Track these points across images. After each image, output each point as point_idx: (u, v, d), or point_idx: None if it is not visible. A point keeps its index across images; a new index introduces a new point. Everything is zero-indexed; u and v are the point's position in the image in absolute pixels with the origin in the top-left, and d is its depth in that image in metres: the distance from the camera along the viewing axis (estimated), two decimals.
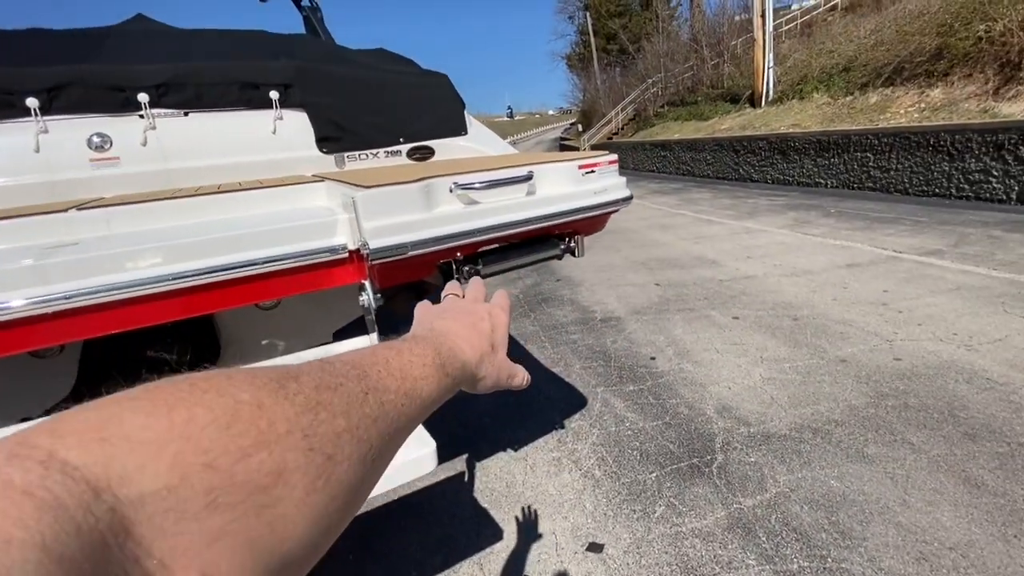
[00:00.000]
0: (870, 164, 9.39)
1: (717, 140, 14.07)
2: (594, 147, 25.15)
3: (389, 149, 1.96)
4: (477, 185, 1.21)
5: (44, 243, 1.02)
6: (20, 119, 1.43)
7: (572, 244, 1.45)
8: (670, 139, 17.27)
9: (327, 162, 1.85)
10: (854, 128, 10.02)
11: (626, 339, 3.98)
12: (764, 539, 1.96)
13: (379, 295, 1.16)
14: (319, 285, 1.17)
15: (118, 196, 1.38)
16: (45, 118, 1.46)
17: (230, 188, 1.36)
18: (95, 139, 1.53)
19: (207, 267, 1.05)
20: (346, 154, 1.88)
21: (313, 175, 1.69)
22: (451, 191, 1.20)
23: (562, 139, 40.99)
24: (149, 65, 1.61)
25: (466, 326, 0.45)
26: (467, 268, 1.25)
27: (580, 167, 1.41)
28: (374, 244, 1.07)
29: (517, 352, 3.93)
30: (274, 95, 1.74)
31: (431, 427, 3.05)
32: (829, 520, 2.01)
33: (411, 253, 1.11)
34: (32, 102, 1.44)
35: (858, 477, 2.22)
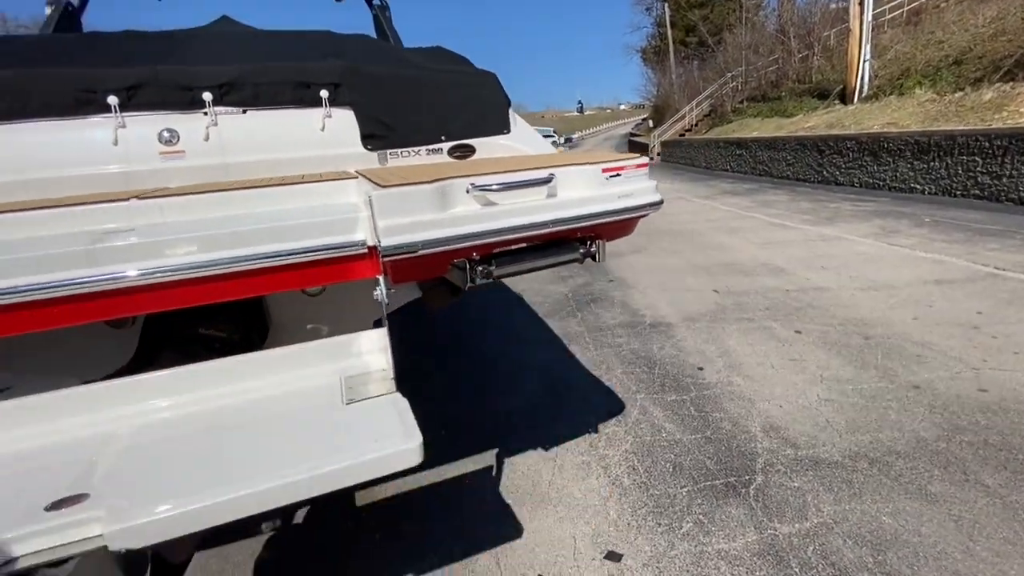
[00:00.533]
0: (978, 169, 8.40)
1: (800, 139, 13.15)
2: (664, 144, 24.31)
3: (431, 147, 2.01)
4: (495, 186, 1.22)
5: (104, 228, 1.15)
6: (102, 115, 1.62)
7: (593, 248, 1.42)
8: (747, 137, 16.35)
9: (371, 159, 1.93)
10: (961, 128, 8.99)
11: (674, 346, 3.85)
12: (797, 570, 1.84)
13: (392, 290, 1.21)
14: (341, 277, 1.23)
15: (178, 187, 1.53)
16: (123, 114, 1.64)
17: (273, 182, 1.46)
18: (165, 134, 1.70)
19: (238, 256, 1.14)
20: (389, 151, 1.95)
21: (354, 171, 1.77)
22: (468, 192, 1.22)
23: (632, 135, 39.99)
24: (215, 66, 1.76)
25: None
26: (481, 268, 1.26)
27: (604, 170, 1.38)
28: (386, 242, 1.12)
29: (557, 350, 3.91)
30: (324, 94, 1.84)
31: (438, 419, 3.10)
32: (875, 559, 1.85)
33: (422, 252, 1.14)
34: (112, 100, 1.62)
35: (916, 516, 2.02)
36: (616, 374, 3.48)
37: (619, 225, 1.46)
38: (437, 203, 1.18)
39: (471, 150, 2.09)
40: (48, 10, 3.35)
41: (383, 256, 1.12)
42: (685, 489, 2.31)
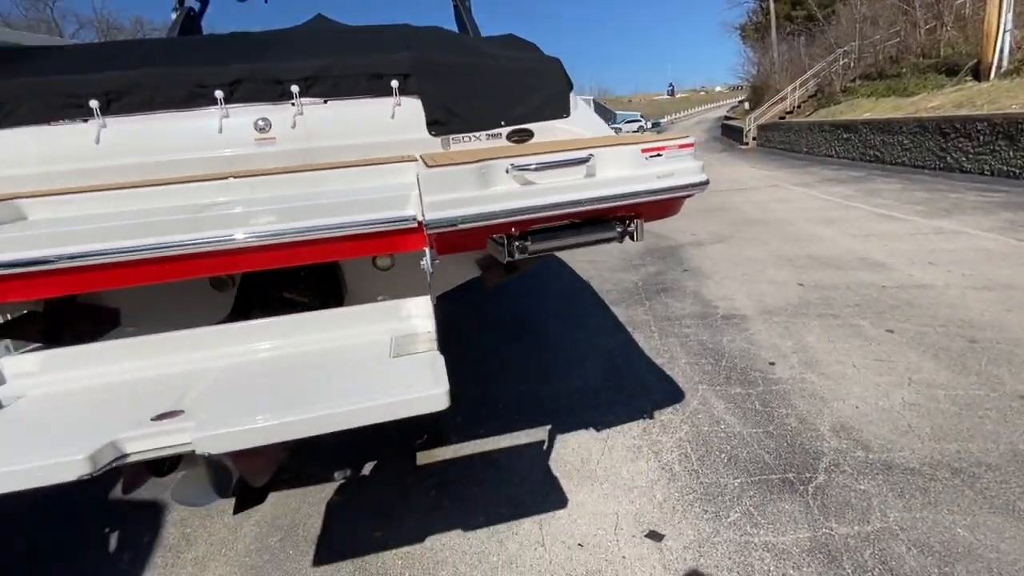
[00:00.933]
0: None
1: (920, 120, 11.70)
2: (762, 128, 22.65)
3: (491, 132, 2.11)
4: (533, 166, 1.29)
5: (207, 201, 1.38)
6: (210, 107, 1.89)
7: (631, 228, 1.44)
8: (857, 119, 14.81)
9: (434, 144, 2.07)
10: None
11: (746, 340, 3.69)
12: (849, 570, 1.75)
13: (436, 260, 1.33)
14: (394, 248, 1.37)
15: (266, 168, 1.76)
16: (227, 106, 1.91)
17: (344, 164, 1.64)
18: (260, 123, 1.95)
19: (310, 227, 1.31)
20: (451, 137, 2.08)
21: (419, 155, 1.92)
22: (507, 172, 1.30)
23: (726, 118, 37.63)
24: (301, 62, 1.98)
25: None
26: (518, 243, 1.35)
27: (643, 151, 1.39)
28: (429, 216, 1.24)
29: (620, 338, 3.90)
30: (394, 84, 2.00)
31: (497, 394, 3.19)
32: (940, 570, 1.71)
33: (461, 226, 1.25)
34: (219, 94, 1.88)
35: (996, 532, 1.84)
36: (679, 364, 3.41)
37: (659, 205, 1.47)
38: (478, 182, 1.27)
39: (529, 134, 2.16)
40: (173, 15, 3.86)
41: (428, 229, 1.24)
42: (738, 480, 2.26)
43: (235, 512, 1.80)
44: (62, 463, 0.86)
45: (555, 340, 3.96)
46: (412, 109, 2.07)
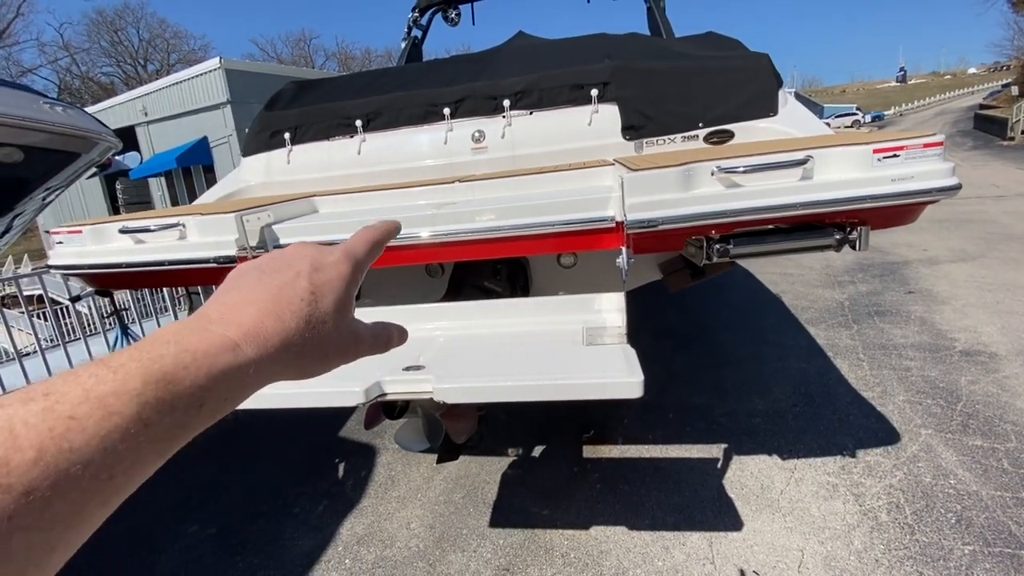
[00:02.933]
0: None
1: None
2: None
3: (687, 134, 2.09)
4: (741, 168, 1.25)
5: (440, 201, 1.66)
6: (440, 122, 2.25)
7: (852, 235, 1.29)
8: None
9: (628, 148, 2.13)
10: None
11: (995, 383, 2.97)
12: None
13: (632, 260, 1.38)
14: (592, 246, 1.47)
15: (484, 173, 2.02)
16: (452, 121, 2.24)
17: (549, 169, 1.81)
18: (476, 134, 2.24)
19: (522, 224, 1.48)
20: (645, 140, 2.11)
21: (613, 159, 2.01)
22: (712, 174, 1.29)
23: (981, 107, 29.95)
24: (511, 78, 2.22)
25: (265, 294, 0.32)
26: (718, 247, 1.32)
27: (876, 151, 1.22)
28: (631, 217, 1.29)
29: (818, 362, 3.45)
30: (594, 93, 2.11)
31: (671, 402, 3.10)
32: None
33: (662, 227, 1.28)
34: (446, 111, 2.22)
35: None
36: (895, 400, 2.91)
37: (891, 211, 1.29)
38: (681, 184, 1.29)
39: (729, 135, 2.08)
40: (403, 44, 4.60)
41: (627, 229, 1.31)
42: (969, 548, 1.87)
43: (438, 462, 2.12)
44: (346, 392, 1.16)
45: (734, 355, 3.70)
46: (609, 115, 2.17)
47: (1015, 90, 23.79)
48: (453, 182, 1.77)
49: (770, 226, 1.31)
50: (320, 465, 2.89)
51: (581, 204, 1.44)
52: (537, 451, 2.79)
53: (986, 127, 23.00)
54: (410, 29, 4.58)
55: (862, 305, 4.44)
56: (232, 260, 1.50)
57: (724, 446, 2.65)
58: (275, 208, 1.66)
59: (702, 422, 2.89)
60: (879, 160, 1.23)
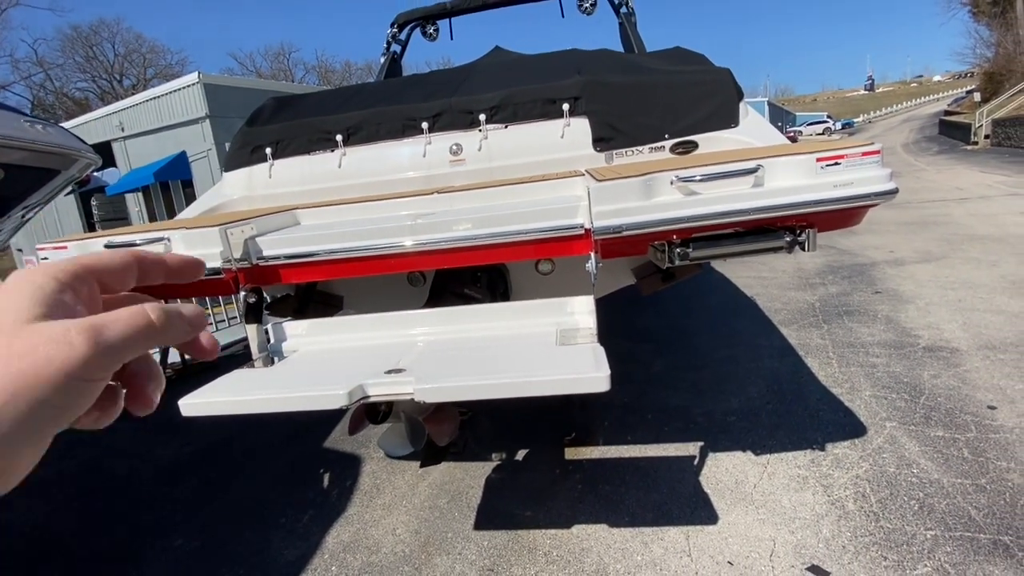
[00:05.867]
0: None
1: None
2: (998, 123, 18.28)
3: (654, 145, 2.19)
4: (698, 177, 1.35)
5: (419, 212, 1.73)
6: (418, 136, 2.32)
7: (801, 238, 1.39)
8: None
9: (599, 159, 2.23)
10: None
11: (956, 377, 3.12)
12: None
13: (600, 264, 1.47)
14: (563, 252, 1.55)
15: (461, 185, 2.10)
16: (431, 135, 2.32)
17: (522, 180, 1.89)
18: (453, 147, 2.32)
19: (497, 232, 1.56)
20: (615, 151, 2.22)
21: (585, 170, 2.10)
22: (672, 183, 1.38)
23: (947, 112, 31.12)
24: (487, 93, 2.31)
25: None
26: (679, 250, 1.41)
27: (819, 159, 1.33)
28: (597, 224, 1.38)
29: (790, 361, 3.58)
30: (565, 107, 2.21)
31: (649, 403, 3.18)
32: None
33: (625, 233, 1.36)
34: (424, 125, 2.30)
35: None
36: (862, 396, 3.04)
37: (836, 215, 1.40)
38: (643, 193, 1.38)
39: (693, 145, 2.19)
40: (382, 59, 4.68)
41: (595, 236, 1.39)
42: (931, 532, 1.97)
43: (422, 465, 2.16)
44: (329, 395, 1.21)
45: (711, 357, 3.81)
46: (580, 128, 2.26)
47: (978, 96, 24.81)
48: (432, 193, 1.84)
49: (727, 231, 1.40)
50: (305, 475, 2.91)
51: (552, 212, 1.52)
52: (520, 455, 2.85)
53: (951, 132, 23.90)
54: (389, 44, 4.67)
55: (832, 306, 4.60)
56: (217, 272, 1.55)
57: (701, 444, 2.74)
58: (258, 221, 1.71)
59: (680, 422, 2.97)
60: (822, 168, 1.34)
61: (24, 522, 2.76)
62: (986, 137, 19.05)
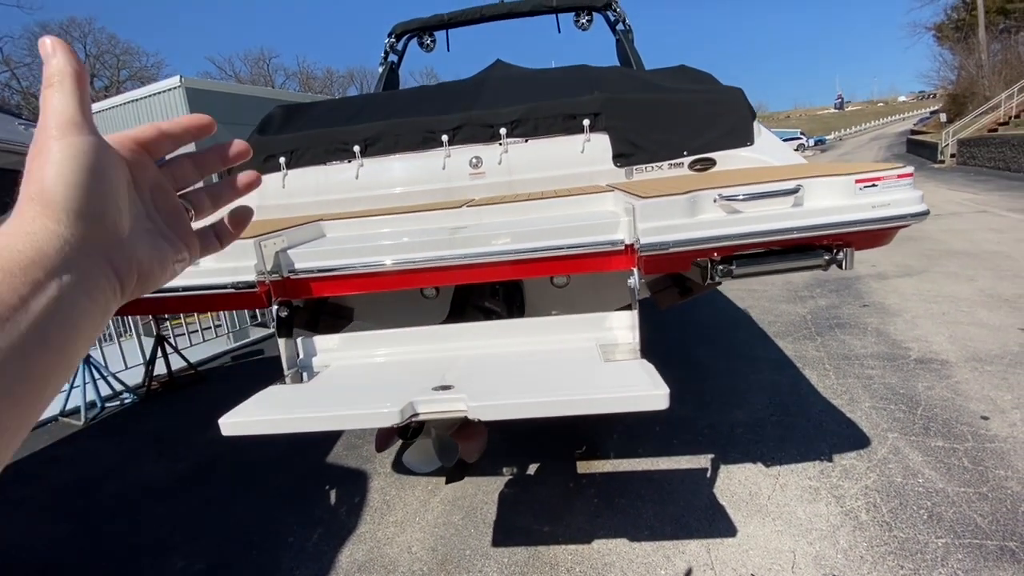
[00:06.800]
0: None
1: None
2: (963, 143, 19.15)
3: (673, 161, 2.24)
4: (740, 196, 1.38)
5: (447, 225, 1.72)
6: (437, 148, 2.32)
7: (839, 256, 1.43)
8: None
9: (619, 174, 2.26)
10: None
11: (949, 388, 3.23)
12: None
13: (643, 279, 1.48)
14: (601, 268, 1.56)
15: (483, 198, 2.10)
16: (450, 147, 2.32)
17: (550, 195, 1.90)
18: (473, 160, 2.32)
19: (533, 247, 1.56)
20: (634, 167, 2.25)
21: (607, 184, 2.12)
22: (715, 201, 1.41)
23: (913, 132, 32.48)
24: (507, 107, 2.33)
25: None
26: (721, 267, 1.43)
27: (857, 181, 1.38)
28: (643, 240, 1.39)
29: (789, 373, 3.65)
30: (586, 123, 2.24)
31: (654, 416, 3.26)
32: None
33: (672, 249, 1.38)
34: (444, 138, 2.30)
35: None
36: (862, 407, 3.11)
37: (871, 235, 1.44)
38: (687, 210, 1.41)
39: (711, 163, 2.24)
40: (380, 68, 4.67)
41: (640, 252, 1.40)
42: (942, 540, 2.02)
43: (448, 482, 2.12)
44: (382, 413, 1.19)
45: (712, 369, 3.86)
46: (600, 143, 2.29)
47: (944, 117, 25.98)
48: (460, 206, 1.84)
49: (768, 249, 1.43)
50: (309, 493, 2.83)
51: (592, 228, 1.53)
52: (531, 469, 2.83)
53: (918, 151, 24.91)
54: (387, 54, 4.66)
55: (823, 318, 4.72)
56: (252, 285, 1.51)
57: (711, 456, 2.76)
58: (288, 233, 1.68)
59: (687, 434, 3.00)
60: (860, 189, 1.38)
61: (12, 543, 2.62)
62: (952, 156, 19.92)
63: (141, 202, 0.35)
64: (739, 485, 2.51)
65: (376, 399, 1.27)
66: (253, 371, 5.23)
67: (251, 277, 1.51)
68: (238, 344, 6.07)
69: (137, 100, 12.59)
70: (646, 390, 1.17)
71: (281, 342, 1.60)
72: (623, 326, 1.55)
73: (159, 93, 12.15)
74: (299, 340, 1.66)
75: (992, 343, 3.79)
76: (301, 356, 1.65)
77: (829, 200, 1.40)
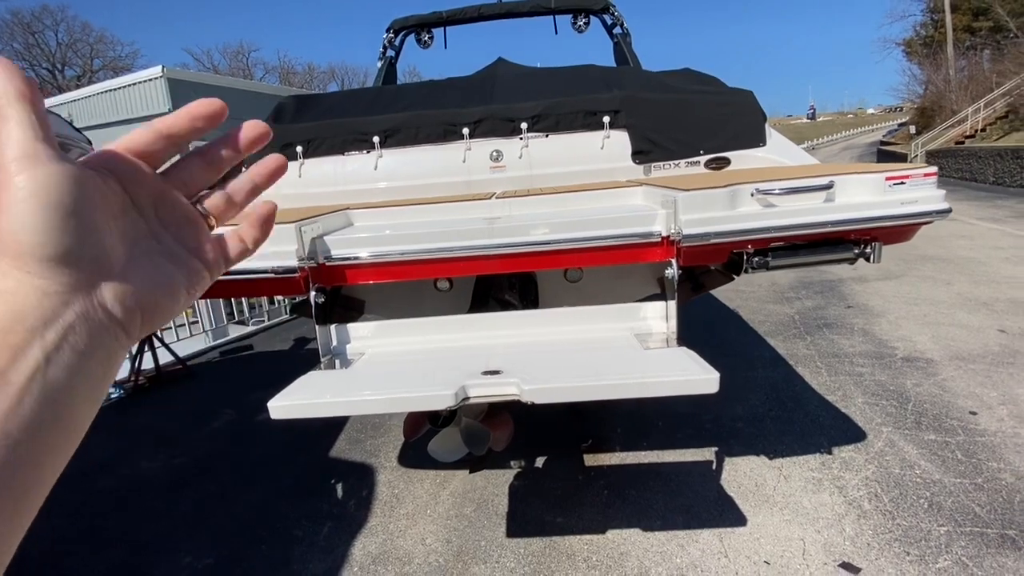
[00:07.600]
0: None
1: None
2: (932, 154, 19.92)
3: (689, 160, 2.29)
4: (776, 191, 1.43)
5: (479, 216, 1.73)
6: (458, 141, 2.32)
7: (868, 250, 1.49)
8: None
9: (637, 171, 2.30)
10: None
11: (936, 385, 3.36)
12: None
13: (680, 271, 1.52)
14: (636, 259, 1.59)
15: (507, 191, 2.11)
16: (471, 140, 2.32)
17: (578, 188, 1.93)
18: (494, 153, 2.33)
19: (572, 238, 1.57)
20: (652, 164, 2.29)
21: (627, 180, 2.16)
22: (752, 195, 1.45)
23: (883, 143, 33.60)
24: (528, 103, 2.34)
25: None
26: (757, 259, 1.48)
27: (888, 179, 1.44)
28: (686, 231, 1.43)
29: (783, 370, 3.75)
30: (606, 119, 2.27)
31: (657, 410, 3.31)
32: None
33: (712, 241, 1.42)
34: (465, 131, 2.30)
35: None
36: (856, 402, 3.22)
37: (899, 230, 1.51)
38: (727, 203, 1.45)
39: (726, 162, 2.29)
40: (379, 63, 4.65)
41: (682, 243, 1.44)
42: (944, 528, 2.11)
43: (471, 471, 2.11)
44: (437, 395, 1.19)
45: (714, 366, 3.93)
46: (619, 140, 2.33)
47: (912, 129, 26.96)
48: (490, 197, 1.84)
49: (801, 242, 1.48)
50: (315, 487, 2.79)
51: (630, 220, 1.55)
52: (539, 462, 2.84)
53: (888, 161, 25.77)
54: (385, 49, 4.63)
55: (811, 318, 4.86)
56: (293, 271, 1.49)
57: (715, 449, 2.82)
58: (323, 220, 1.66)
59: (691, 428, 3.06)
60: (890, 186, 1.44)
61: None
62: None
63: (144, 222, 0.30)
64: (745, 477, 2.57)
65: (426, 383, 1.27)
66: (243, 367, 5.13)
67: (292, 263, 1.49)
68: (223, 340, 5.93)
69: (115, 90, 12.24)
70: (697, 374, 1.20)
71: (318, 328, 1.59)
72: (655, 316, 1.58)
73: (138, 83, 11.81)
74: (332, 327, 1.64)
75: (973, 343, 3.96)
76: (335, 343, 1.63)
77: (860, 196, 1.46)
